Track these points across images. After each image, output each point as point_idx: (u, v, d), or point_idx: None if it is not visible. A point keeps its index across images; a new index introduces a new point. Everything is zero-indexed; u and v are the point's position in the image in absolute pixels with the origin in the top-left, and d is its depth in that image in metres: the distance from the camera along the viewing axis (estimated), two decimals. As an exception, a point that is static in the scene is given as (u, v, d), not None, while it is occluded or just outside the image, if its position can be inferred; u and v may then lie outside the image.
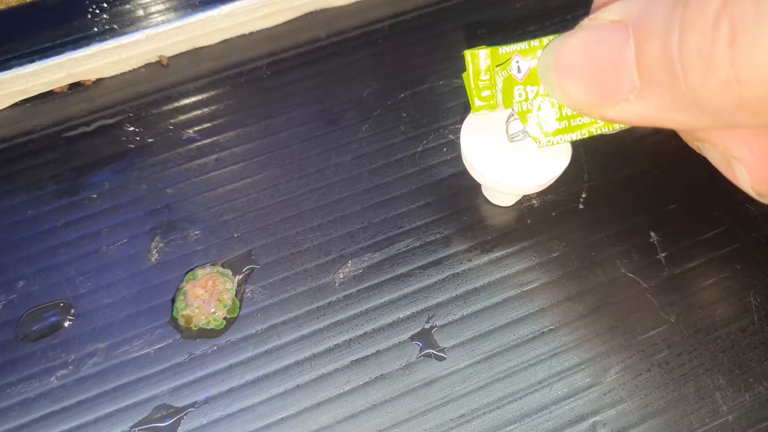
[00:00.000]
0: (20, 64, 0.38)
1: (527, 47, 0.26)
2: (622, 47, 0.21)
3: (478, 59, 0.28)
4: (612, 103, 0.22)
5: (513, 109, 0.29)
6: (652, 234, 0.34)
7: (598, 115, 0.23)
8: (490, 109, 0.28)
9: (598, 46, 0.22)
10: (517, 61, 0.27)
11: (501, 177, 0.31)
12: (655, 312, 0.32)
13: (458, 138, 0.36)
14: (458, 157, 0.36)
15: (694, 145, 0.26)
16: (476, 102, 0.28)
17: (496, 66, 0.27)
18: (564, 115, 0.27)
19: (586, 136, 0.27)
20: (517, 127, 0.31)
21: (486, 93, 0.28)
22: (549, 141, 0.27)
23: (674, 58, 0.19)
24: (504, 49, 0.27)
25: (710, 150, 0.25)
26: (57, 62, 0.38)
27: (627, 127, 0.26)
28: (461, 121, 0.37)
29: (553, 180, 0.31)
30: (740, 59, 0.17)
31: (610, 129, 0.27)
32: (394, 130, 0.37)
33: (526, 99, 0.27)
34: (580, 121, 0.27)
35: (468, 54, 0.28)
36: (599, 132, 0.27)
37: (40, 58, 0.38)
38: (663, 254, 0.34)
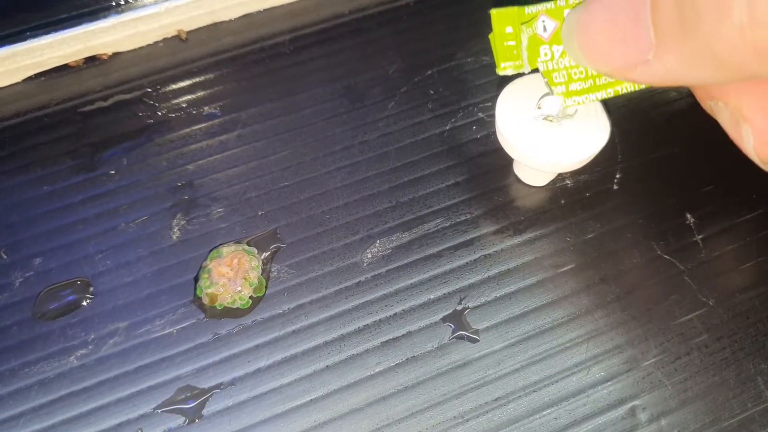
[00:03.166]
0: (35, 36, 0.36)
1: (553, 6, 0.26)
2: (641, 7, 0.20)
3: (504, 19, 0.27)
4: (632, 65, 0.21)
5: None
6: (689, 216, 0.33)
7: (621, 76, 0.23)
8: (516, 69, 0.28)
9: (617, 9, 0.22)
10: (543, 21, 0.26)
11: (538, 153, 0.30)
12: (693, 295, 0.31)
13: (488, 116, 0.35)
14: (488, 136, 0.35)
15: (707, 105, 0.26)
16: (501, 63, 0.27)
17: (522, 24, 0.27)
18: (590, 74, 0.26)
19: (612, 95, 0.26)
20: (549, 110, 0.30)
21: (511, 52, 0.27)
22: (574, 100, 0.27)
23: (686, 5, 0.18)
24: (530, 9, 0.27)
25: (722, 110, 0.24)
26: (73, 34, 0.37)
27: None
28: (491, 99, 0.36)
29: (592, 157, 0.30)
30: (756, 1, 0.16)
31: (637, 88, 0.26)
32: (421, 107, 0.36)
33: (552, 58, 0.27)
34: (605, 80, 0.26)
35: (494, 13, 0.27)
36: (625, 91, 0.26)
37: (55, 30, 0.37)
38: (700, 236, 0.33)
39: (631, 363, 0.30)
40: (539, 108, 0.30)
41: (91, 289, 0.32)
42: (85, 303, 0.31)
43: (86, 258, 0.32)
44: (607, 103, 0.32)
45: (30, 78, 0.38)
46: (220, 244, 0.32)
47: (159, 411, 0.29)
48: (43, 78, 0.38)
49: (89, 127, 0.37)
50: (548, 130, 0.30)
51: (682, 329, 0.30)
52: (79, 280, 0.32)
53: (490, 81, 0.38)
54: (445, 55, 0.39)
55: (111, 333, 0.30)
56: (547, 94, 0.30)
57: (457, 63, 0.38)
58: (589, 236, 0.33)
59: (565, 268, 0.32)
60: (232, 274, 0.31)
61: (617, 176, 0.34)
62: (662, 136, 0.36)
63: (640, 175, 0.34)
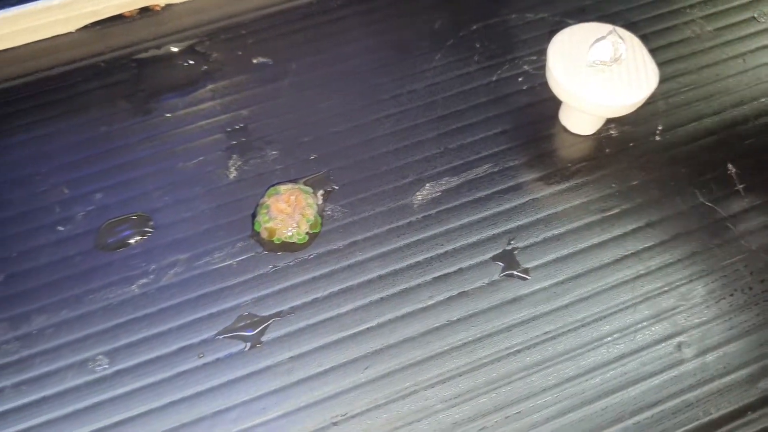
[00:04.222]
0: (93, -16, 0.37)
1: None
2: None
3: None
4: None
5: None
6: (730, 166, 0.34)
7: None
8: None
9: None
10: None
11: (590, 96, 0.31)
12: (736, 240, 0.32)
13: (533, 69, 0.36)
14: (534, 88, 0.36)
15: None
16: None
17: None
18: None
19: None
20: (601, 55, 0.31)
21: None
22: None
23: None
24: None
25: None
26: (129, -16, 0.38)
27: None
28: (536, 53, 0.37)
29: (642, 101, 0.31)
30: None
31: None
32: (467, 59, 0.37)
33: None
34: None
35: None
36: None
37: (112, -21, 0.38)
38: (741, 185, 0.34)
39: (676, 301, 0.31)
40: (591, 54, 0.31)
41: (151, 223, 0.33)
42: (145, 236, 0.32)
43: (145, 194, 0.33)
44: (654, 56, 0.33)
45: (86, 27, 0.39)
46: (277, 183, 0.33)
47: (220, 337, 0.30)
48: (98, 27, 0.39)
49: (144, 74, 0.37)
50: (600, 74, 0.31)
51: (726, 271, 0.31)
52: (139, 215, 0.33)
53: (534, 36, 0.38)
54: (489, 11, 0.39)
55: (171, 264, 0.31)
56: (598, 41, 0.31)
57: (501, 19, 0.39)
58: (634, 183, 0.34)
59: (611, 213, 0.33)
60: (290, 210, 0.31)
61: (659, 128, 0.35)
62: (705, 91, 0.36)
63: (682, 127, 0.35)
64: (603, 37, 0.31)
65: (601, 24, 0.32)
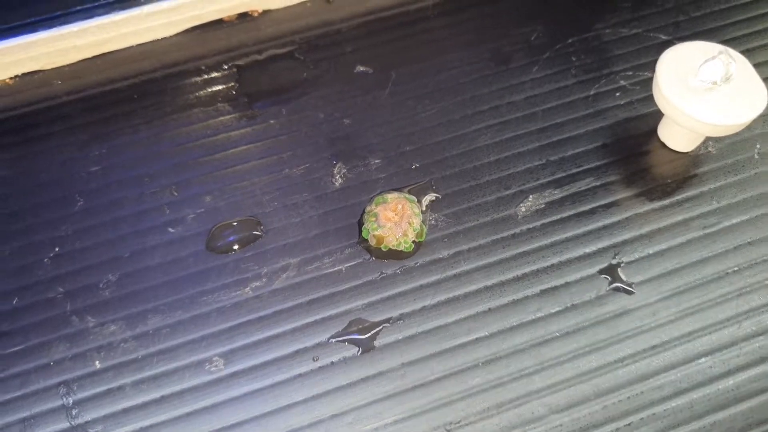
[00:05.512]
0: (197, -11, 0.38)
1: None
2: None
3: None
4: None
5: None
6: (831, 186, 0.34)
7: None
8: None
9: None
10: None
11: (697, 115, 0.31)
12: (839, 261, 0.32)
13: (630, 84, 0.36)
14: (632, 103, 0.37)
15: None
16: None
17: None
18: None
19: None
20: (710, 75, 0.31)
21: None
22: None
23: None
24: None
25: None
26: (231, -10, 0.39)
27: None
28: (632, 69, 0.37)
29: (748, 122, 0.31)
30: None
31: None
32: (564, 73, 0.38)
33: None
34: None
35: None
36: None
37: (215, -15, 0.38)
38: (842, 206, 0.34)
39: (782, 320, 0.31)
40: (701, 73, 0.31)
41: (261, 227, 0.33)
42: (255, 240, 0.33)
43: (254, 198, 0.34)
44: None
45: (186, 31, 0.40)
46: (382, 192, 0.34)
47: (333, 341, 0.30)
48: (198, 31, 0.40)
49: (245, 79, 0.38)
50: (707, 94, 0.31)
51: (830, 292, 0.32)
52: (250, 219, 0.34)
53: (629, 52, 0.39)
54: (583, 26, 0.40)
55: (283, 268, 0.32)
56: (708, 60, 0.31)
57: (595, 33, 0.40)
58: (734, 201, 0.34)
59: (713, 229, 0.33)
60: (397, 218, 0.32)
61: (758, 146, 0.36)
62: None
63: (782, 145, 0.36)
64: (713, 57, 0.31)
65: (711, 43, 0.33)
